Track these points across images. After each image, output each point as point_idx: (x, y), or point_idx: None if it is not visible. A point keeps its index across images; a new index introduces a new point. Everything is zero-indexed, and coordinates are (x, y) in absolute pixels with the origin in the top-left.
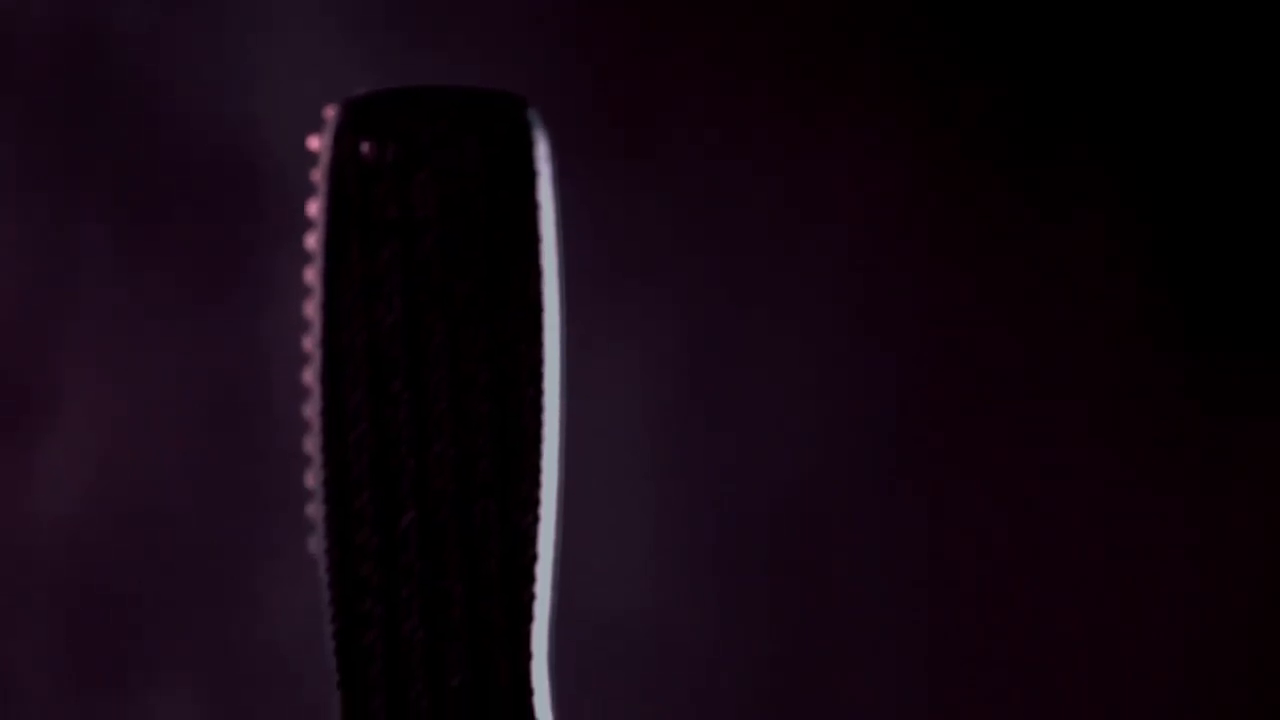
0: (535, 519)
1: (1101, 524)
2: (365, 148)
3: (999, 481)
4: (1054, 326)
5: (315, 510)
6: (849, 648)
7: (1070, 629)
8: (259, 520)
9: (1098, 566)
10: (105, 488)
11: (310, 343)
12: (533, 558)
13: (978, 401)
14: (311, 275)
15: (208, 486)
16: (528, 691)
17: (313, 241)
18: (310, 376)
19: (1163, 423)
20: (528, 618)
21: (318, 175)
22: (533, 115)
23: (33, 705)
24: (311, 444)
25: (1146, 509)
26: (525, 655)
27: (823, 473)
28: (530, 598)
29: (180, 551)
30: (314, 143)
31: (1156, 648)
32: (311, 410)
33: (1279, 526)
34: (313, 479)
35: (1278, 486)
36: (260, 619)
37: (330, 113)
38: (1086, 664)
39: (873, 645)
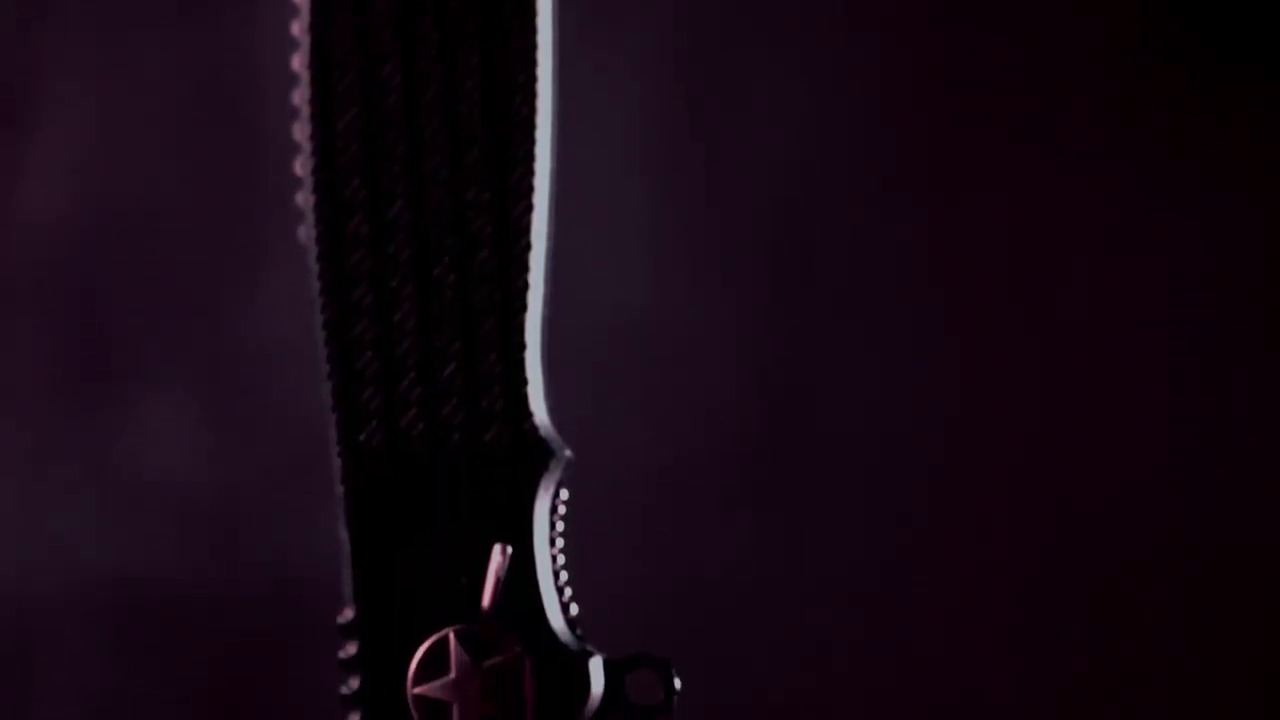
0: (528, 207)
1: None
2: None
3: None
4: None
5: (305, 199)
6: (847, 337)
7: None
8: (251, 217)
9: None
10: (95, 186)
11: (298, 28)
12: (525, 246)
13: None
14: None
15: (198, 182)
16: (521, 382)
17: None
18: (299, 62)
19: None
20: (520, 307)
21: None
22: None
23: (22, 404)
24: (301, 131)
25: None
26: (518, 345)
27: (822, 162)
28: (523, 286)
29: (171, 249)
30: None
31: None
32: (301, 97)
33: None
34: (302, 167)
35: None
36: (252, 316)
37: None
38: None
39: (873, 335)
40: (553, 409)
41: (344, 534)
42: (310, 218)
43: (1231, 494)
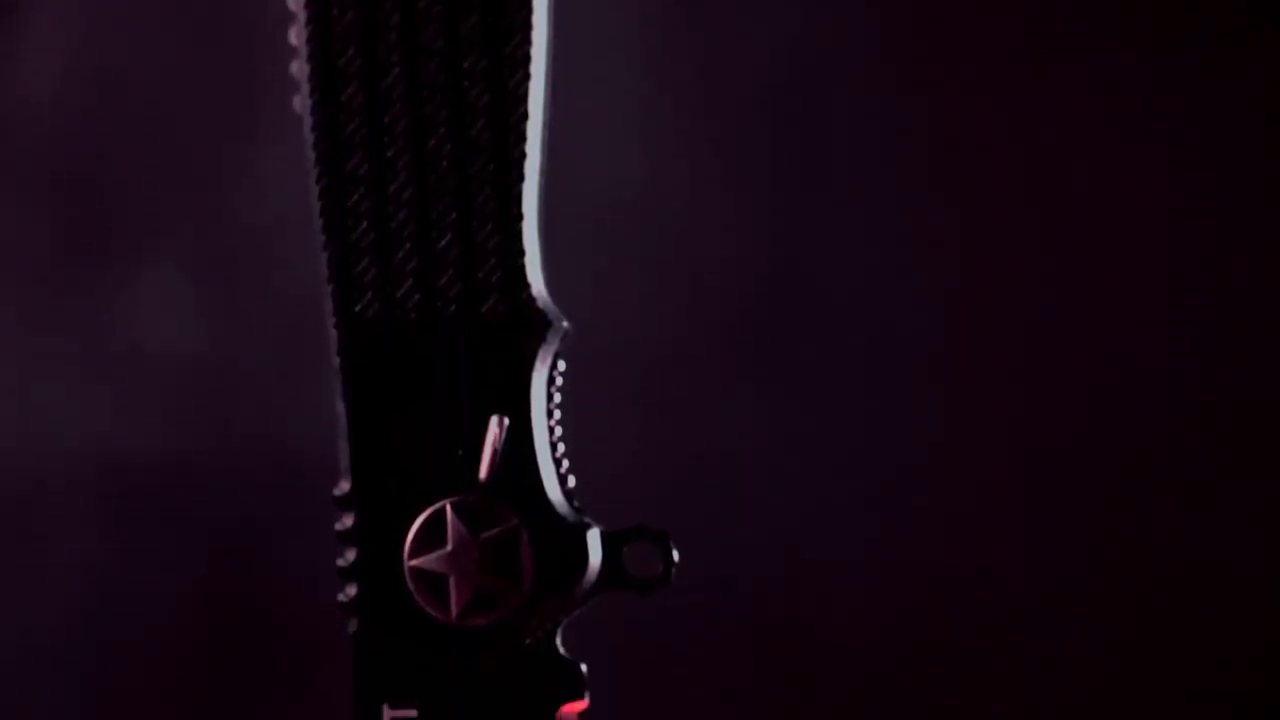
0: (525, 76)
1: None
2: None
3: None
4: None
5: (300, 68)
6: (845, 210)
7: None
8: (248, 90)
9: None
10: (91, 64)
11: None
12: (523, 116)
13: None
14: None
15: (193, 58)
16: (518, 253)
17: None
18: None
19: None
20: (517, 177)
21: None
22: None
23: (19, 281)
24: (295, 1)
25: None
26: (515, 216)
27: (822, 35)
28: (520, 157)
29: (167, 125)
30: None
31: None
32: None
33: None
34: (297, 37)
35: None
36: (248, 191)
37: None
38: None
39: (872, 207)
40: (551, 283)
41: (340, 406)
42: (305, 87)
43: (1234, 379)
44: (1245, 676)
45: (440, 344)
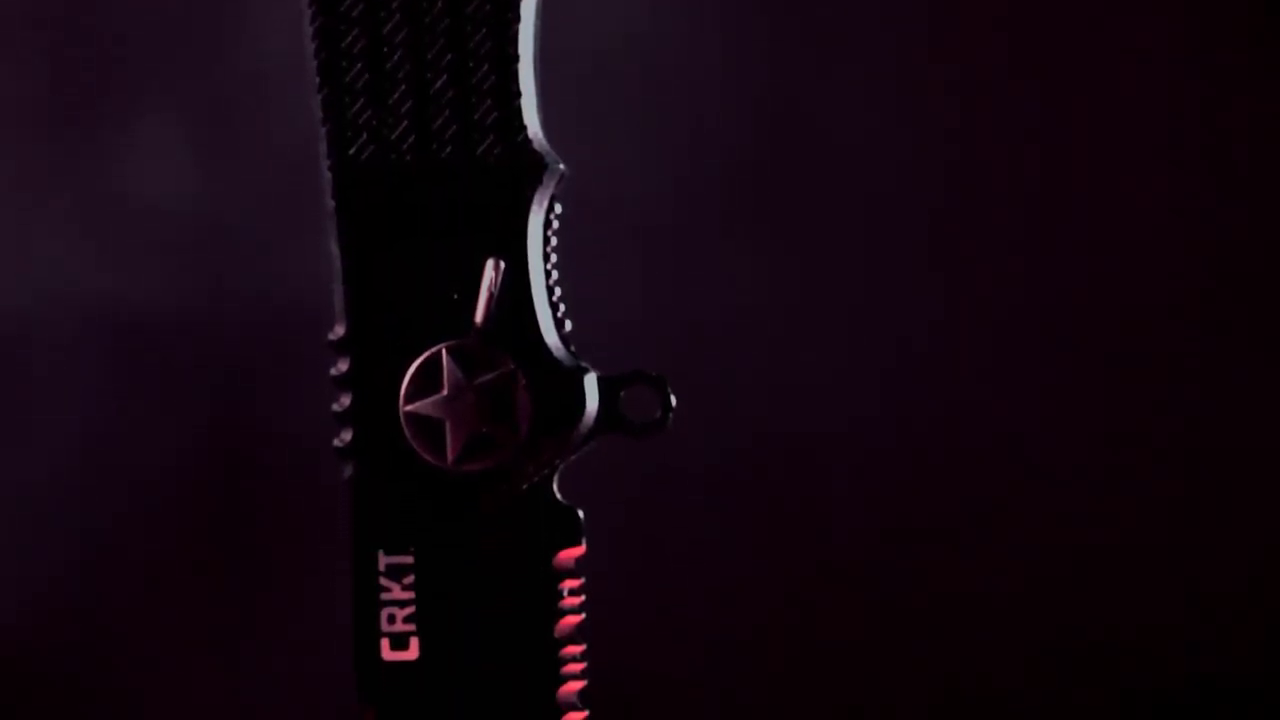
0: None
1: None
2: None
3: None
4: None
5: None
6: (846, 59)
7: None
8: None
9: None
10: None
11: None
12: None
13: None
14: None
15: None
16: (514, 94)
17: None
18: None
19: None
20: (513, 18)
21: None
22: None
23: (14, 131)
24: None
25: None
26: (511, 57)
27: None
28: None
29: None
30: None
31: None
32: None
33: None
34: None
35: None
36: (245, 43)
37: None
38: None
39: (872, 59)
40: (548, 126)
41: (334, 250)
42: None
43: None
44: (1246, 530)
45: (435, 187)
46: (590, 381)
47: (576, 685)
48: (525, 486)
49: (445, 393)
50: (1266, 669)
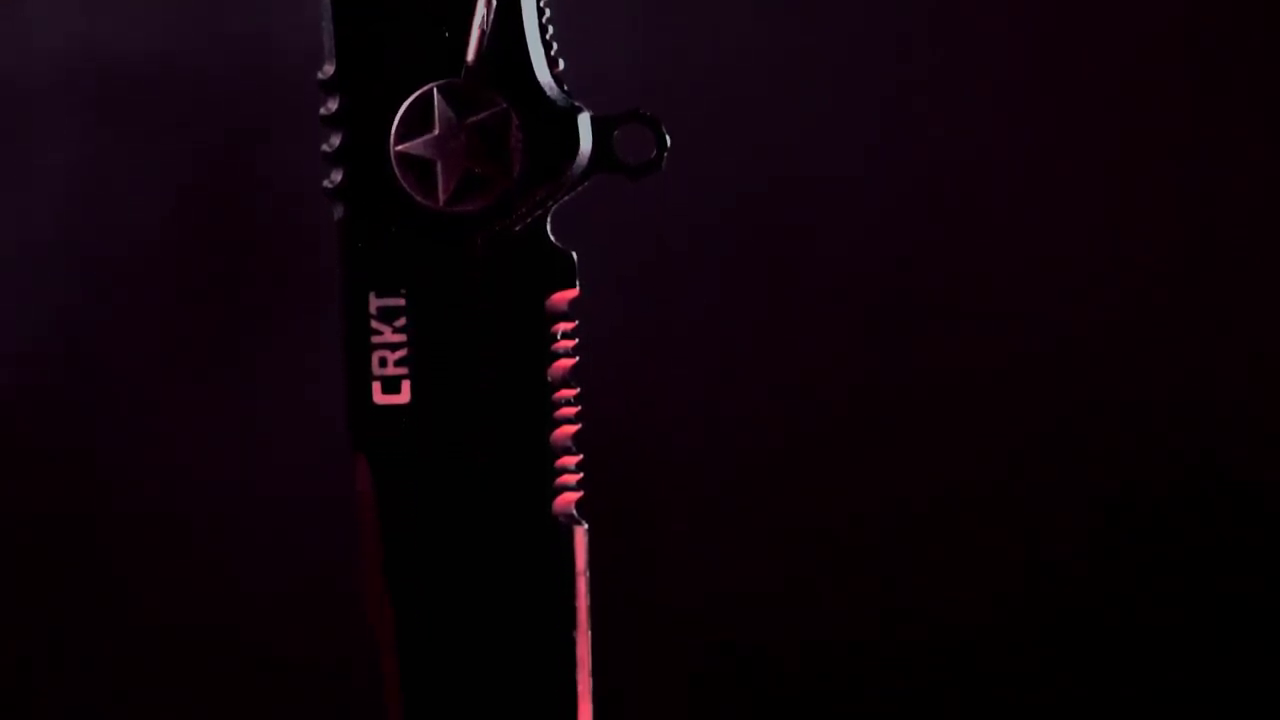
0: None
1: None
2: None
3: None
4: None
5: None
6: None
7: None
8: None
9: None
10: None
11: None
12: None
13: None
14: None
15: None
16: None
17: None
18: None
19: None
20: None
21: None
22: None
23: None
24: None
25: None
26: None
27: None
28: None
29: None
30: None
31: None
32: None
33: None
34: None
35: None
36: None
37: None
38: None
39: None
40: None
41: None
42: None
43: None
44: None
45: None
46: (584, 120)
47: (571, 429)
48: (518, 228)
49: (436, 132)
50: (1265, 456)
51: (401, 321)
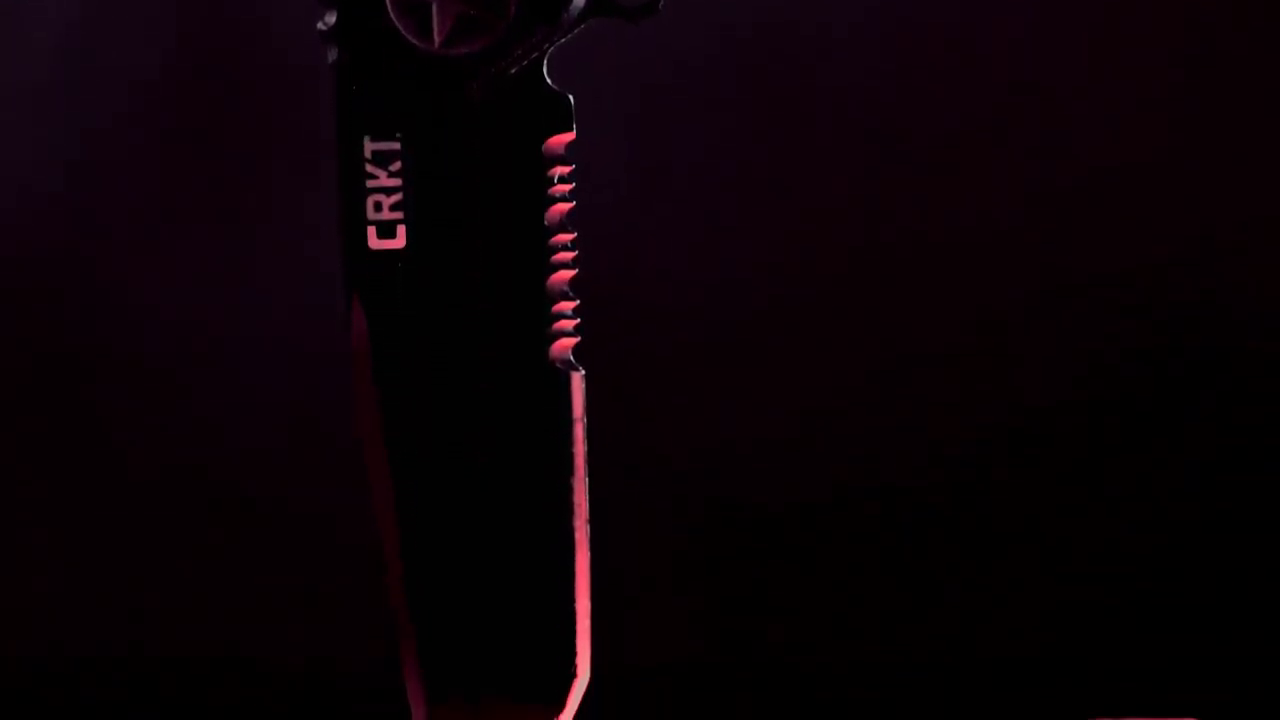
0: None
1: None
2: None
3: None
4: None
5: None
6: None
7: None
8: None
9: None
10: None
11: None
12: None
13: None
14: None
15: None
16: None
17: None
18: None
19: None
20: None
21: None
22: None
23: None
24: None
25: None
26: None
27: None
28: None
29: None
30: None
31: None
32: None
33: None
34: None
35: None
36: None
37: None
38: None
39: None
40: None
41: None
42: None
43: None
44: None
45: None
46: None
47: (568, 274)
48: (514, 71)
49: None
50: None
51: (397, 166)
